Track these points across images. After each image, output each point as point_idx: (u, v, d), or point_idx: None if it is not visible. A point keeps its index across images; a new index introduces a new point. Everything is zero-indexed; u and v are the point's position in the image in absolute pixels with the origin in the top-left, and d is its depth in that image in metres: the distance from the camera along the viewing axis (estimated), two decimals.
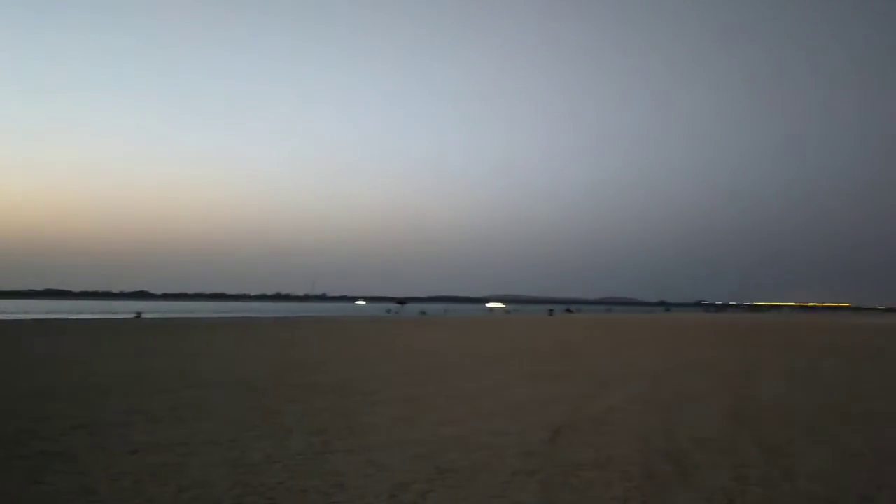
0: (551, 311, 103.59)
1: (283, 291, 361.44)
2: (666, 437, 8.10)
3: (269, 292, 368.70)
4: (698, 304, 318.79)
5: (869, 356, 23.02)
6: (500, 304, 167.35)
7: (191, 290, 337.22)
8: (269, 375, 14.53)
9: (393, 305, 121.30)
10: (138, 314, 65.78)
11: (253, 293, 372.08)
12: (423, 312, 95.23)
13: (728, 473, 6.41)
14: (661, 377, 14.85)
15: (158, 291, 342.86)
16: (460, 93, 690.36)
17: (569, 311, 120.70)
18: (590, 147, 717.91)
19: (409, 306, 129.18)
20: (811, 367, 18.25)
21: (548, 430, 8.45)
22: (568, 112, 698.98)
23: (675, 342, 29.68)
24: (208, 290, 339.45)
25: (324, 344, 25.88)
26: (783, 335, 38.94)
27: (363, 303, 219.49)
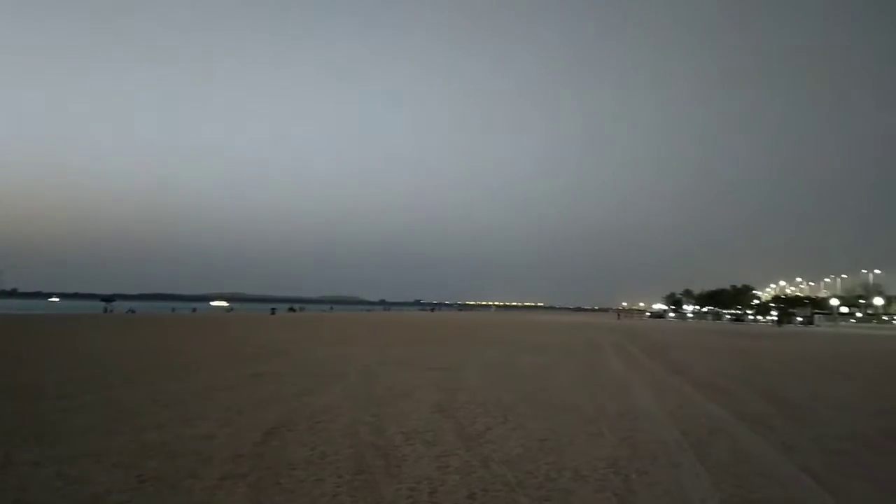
0: (273, 309, 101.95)
1: None
2: (378, 432, 8.37)
3: None
4: (417, 303, 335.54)
5: (578, 351, 25.84)
6: (224, 303, 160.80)
7: None
8: None
9: (102, 304, 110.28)
10: None
11: None
12: (131, 311, 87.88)
13: (432, 463, 6.80)
14: (374, 373, 15.28)
15: None
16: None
17: (292, 309, 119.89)
18: (318, 139, 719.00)
19: (117, 304, 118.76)
20: (510, 361, 19.97)
21: (261, 430, 8.29)
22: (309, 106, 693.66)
23: (389, 339, 30.83)
24: None
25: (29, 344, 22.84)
26: (489, 331, 42.26)
27: (57, 300, 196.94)
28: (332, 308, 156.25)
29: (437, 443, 7.78)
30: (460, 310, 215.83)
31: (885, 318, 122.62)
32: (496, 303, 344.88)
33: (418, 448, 7.48)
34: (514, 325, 60.67)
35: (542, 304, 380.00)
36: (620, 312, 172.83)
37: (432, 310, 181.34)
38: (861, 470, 6.85)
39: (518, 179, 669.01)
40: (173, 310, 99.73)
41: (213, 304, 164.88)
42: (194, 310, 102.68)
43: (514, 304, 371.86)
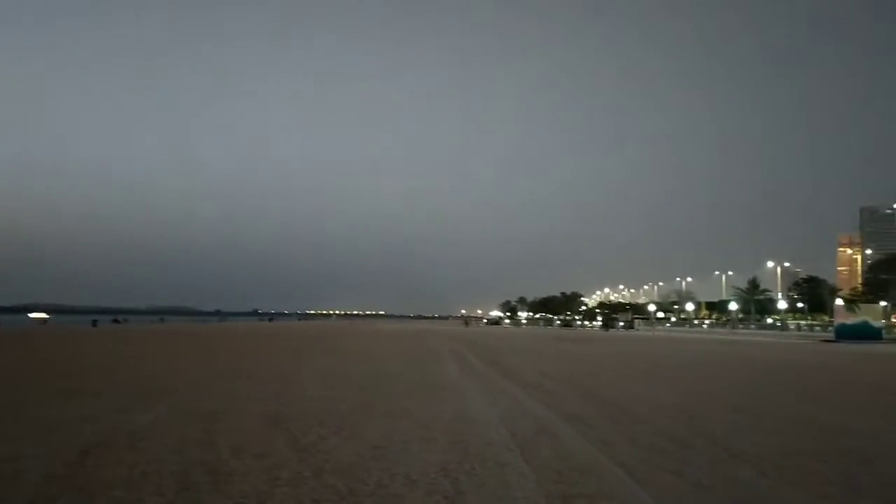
0: (95, 321, 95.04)
1: None
2: (205, 447, 8.04)
3: None
4: (254, 313, 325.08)
5: (416, 358, 26.05)
6: (42, 315, 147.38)
7: None
8: None
9: None
10: None
11: None
12: None
13: (262, 476, 6.63)
14: (204, 387, 14.67)
15: None
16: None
17: (116, 321, 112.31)
18: (138, 144, 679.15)
19: None
20: (347, 370, 19.89)
21: (76, 450, 7.71)
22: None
23: (222, 350, 29.79)
24: None
25: None
26: (329, 341, 41.87)
27: None
28: (162, 319, 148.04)
29: (268, 455, 7.60)
30: (300, 319, 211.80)
31: (695, 321, 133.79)
32: (337, 311, 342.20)
33: (248, 462, 7.26)
34: (355, 333, 60.48)
35: (383, 312, 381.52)
36: (469, 319, 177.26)
37: (270, 320, 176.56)
38: (670, 464, 7.42)
39: (360, 188, 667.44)
40: None
41: (32, 315, 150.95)
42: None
43: (355, 312, 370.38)
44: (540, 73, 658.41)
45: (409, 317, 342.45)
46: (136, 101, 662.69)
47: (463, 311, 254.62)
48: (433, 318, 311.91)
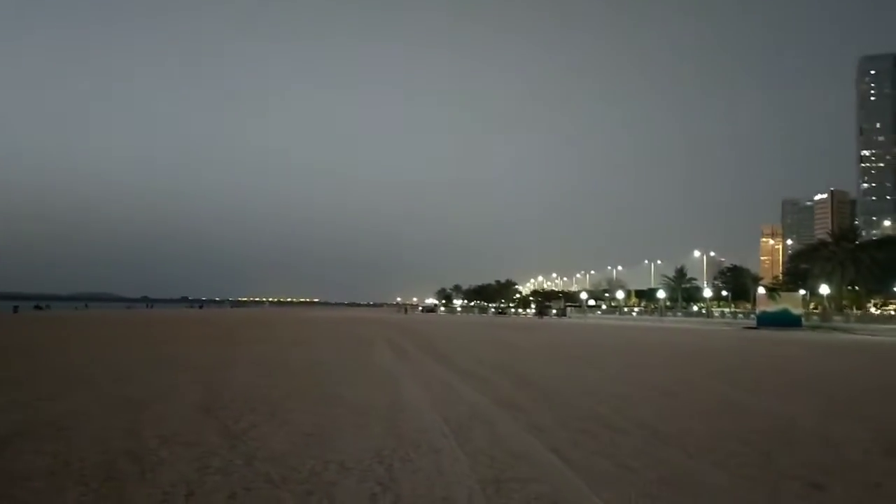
0: (16, 307, 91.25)
1: None
2: (132, 436, 7.81)
3: None
4: (184, 300, 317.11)
5: (351, 346, 25.85)
6: None
7: None
8: None
9: None
10: None
11: None
12: None
13: (191, 465, 6.48)
14: (130, 375, 14.26)
15: None
16: None
17: (38, 307, 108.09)
18: (46, 132, 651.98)
19: None
20: (281, 357, 19.63)
21: None
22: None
23: (151, 338, 29.03)
24: None
25: None
26: (263, 330, 41.23)
27: None
28: (86, 306, 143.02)
29: (198, 444, 7.43)
30: (232, 307, 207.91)
31: (625, 309, 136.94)
32: (270, 299, 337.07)
33: (177, 450, 7.09)
34: (288, 321, 59.74)
35: (317, 299, 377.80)
36: (405, 307, 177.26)
37: (200, 307, 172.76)
38: (601, 447, 7.58)
39: (293, 175, 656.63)
40: None
41: None
42: None
43: (289, 299, 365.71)
44: (463, 58, 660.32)
45: (344, 304, 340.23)
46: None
47: (398, 299, 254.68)
48: (368, 305, 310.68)
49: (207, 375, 14.22)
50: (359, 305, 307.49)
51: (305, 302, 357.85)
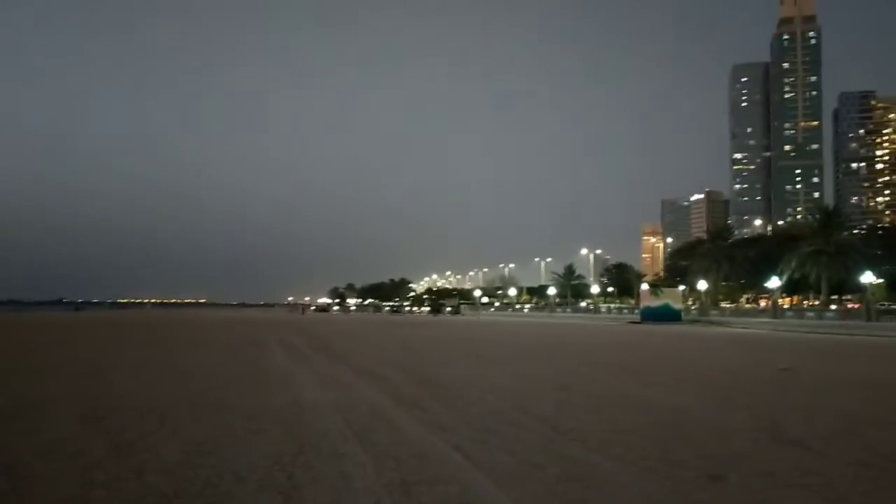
0: None
1: None
2: (3, 452, 7.18)
3: None
4: (59, 302, 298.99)
5: (243, 347, 24.98)
6: None
7: None
8: None
9: None
10: None
11: None
12: None
13: (72, 480, 5.99)
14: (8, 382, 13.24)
15: None
16: None
17: None
18: None
19: None
20: (167, 361, 18.77)
21: None
22: None
23: (17, 343, 27.21)
24: None
25: None
26: (142, 331, 39.47)
27: None
28: None
29: (80, 456, 6.91)
30: (111, 308, 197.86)
31: (517, 306, 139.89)
32: (153, 300, 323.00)
33: (56, 465, 6.56)
34: (175, 322, 57.45)
35: (204, 300, 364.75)
36: (298, 307, 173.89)
37: (77, 309, 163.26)
38: (504, 445, 7.57)
39: (181, 173, 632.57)
40: None
41: None
42: None
43: (173, 301, 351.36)
44: (363, 49, 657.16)
45: (233, 305, 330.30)
46: None
47: (290, 299, 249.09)
48: (259, 305, 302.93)
49: (87, 382, 13.39)
50: (249, 306, 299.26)
51: (191, 303, 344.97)
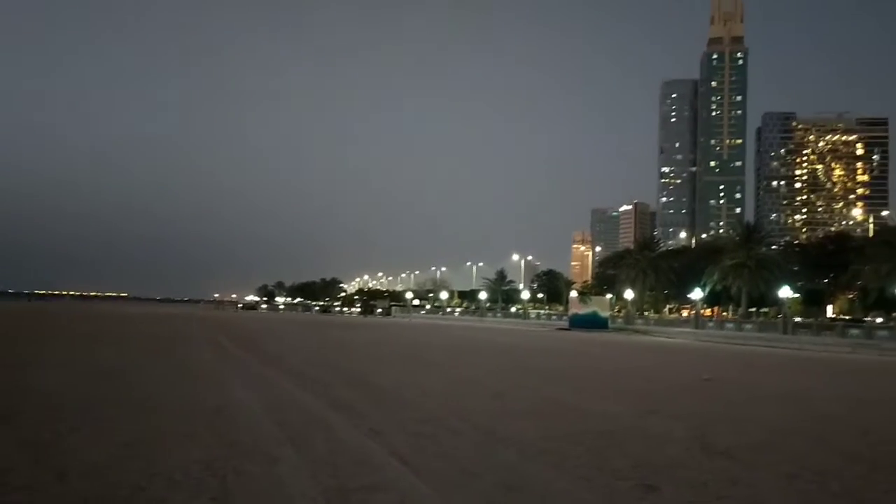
0: None
1: None
2: None
3: None
4: None
5: (169, 345, 24.20)
6: None
7: None
8: None
9: None
10: None
11: None
12: None
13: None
14: None
15: None
16: None
17: None
18: None
19: None
20: (86, 355, 18.08)
21: None
22: None
23: None
24: None
25: None
26: (60, 325, 38.01)
27: None
28: None
29: None
30: (30, 301, 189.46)
31: (448, 309, 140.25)
32: (72, 293, 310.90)
33: None
34: (95, 316, 55.46)
35: (126, 294, 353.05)
36: (223, 304, 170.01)
37: None
38: (440, 451, 7.52)
39: (109, 163, 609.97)
40: None
41: None
42: None
43: (93, 294, 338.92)
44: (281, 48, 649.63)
45: (156, 300, 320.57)
46: None
47: (216, 295, 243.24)
48: (183, 301, 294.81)
49: (5, 375, 12.74)
50: (173, 301, 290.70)
51: (113, 297, 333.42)
